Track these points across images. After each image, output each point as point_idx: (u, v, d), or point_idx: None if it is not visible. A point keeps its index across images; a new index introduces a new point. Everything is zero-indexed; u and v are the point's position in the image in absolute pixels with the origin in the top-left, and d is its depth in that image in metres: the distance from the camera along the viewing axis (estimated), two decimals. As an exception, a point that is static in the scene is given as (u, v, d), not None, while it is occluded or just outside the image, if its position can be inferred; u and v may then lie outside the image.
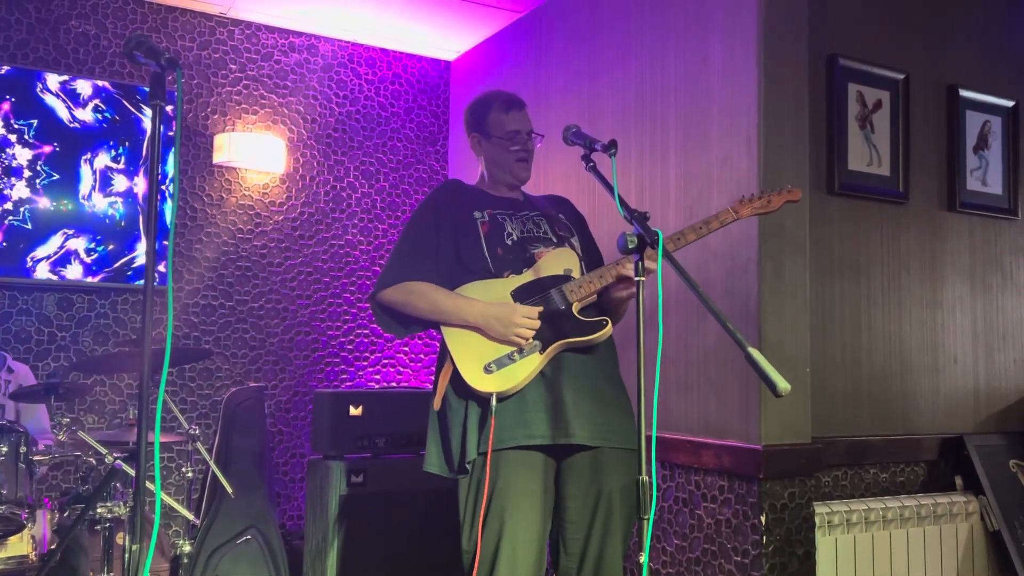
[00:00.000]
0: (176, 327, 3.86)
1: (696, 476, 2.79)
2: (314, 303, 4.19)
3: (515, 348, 2.20)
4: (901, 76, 3.23)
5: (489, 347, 2.21)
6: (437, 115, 4.57)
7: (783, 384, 1.69)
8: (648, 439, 1.78)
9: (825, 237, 3.06)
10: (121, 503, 2.77)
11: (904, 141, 3.22)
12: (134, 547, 1.57)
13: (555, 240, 2.36)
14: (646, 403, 1.79)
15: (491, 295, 2.26)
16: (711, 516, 2.73)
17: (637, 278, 1.86)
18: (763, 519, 2.55)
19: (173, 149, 3.71)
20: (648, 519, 1.78)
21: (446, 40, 4.35)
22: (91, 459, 2.79)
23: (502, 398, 2.17)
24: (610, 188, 2.03)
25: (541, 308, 2.22)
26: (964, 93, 3.42)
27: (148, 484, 2.54)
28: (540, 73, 3.82)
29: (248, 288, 4.05)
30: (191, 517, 2.99)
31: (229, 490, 3.10)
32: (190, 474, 3.23)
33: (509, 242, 2.32)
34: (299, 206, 4.19)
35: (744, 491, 2.61)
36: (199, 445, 3.05)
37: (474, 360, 2.20)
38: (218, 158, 3.97)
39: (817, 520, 2.75)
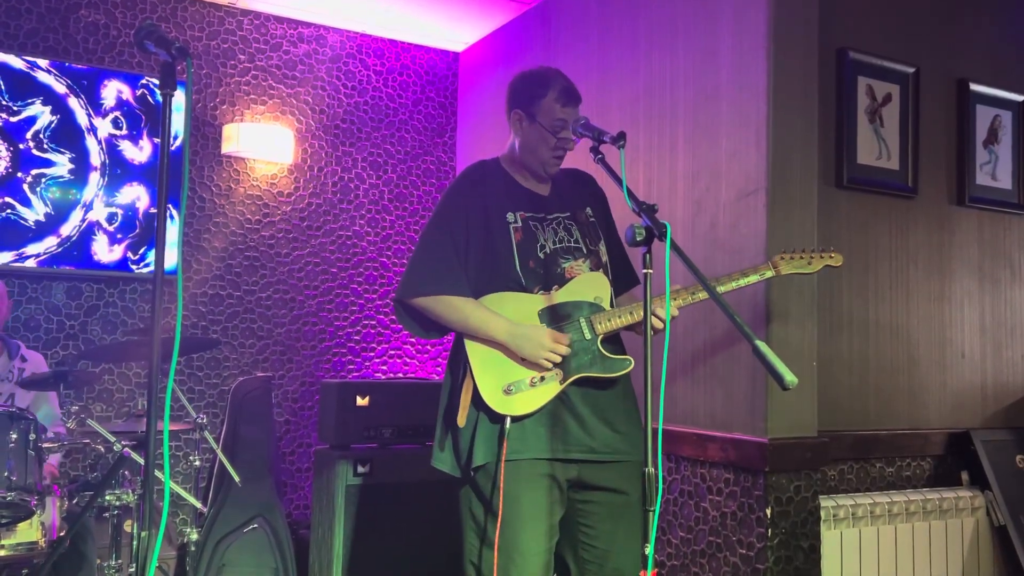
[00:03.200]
0: (184, 317, 3.87)
1: (702, 469, 2.80)
2: (321, 294, 4.20)
3: (536, 374, 2.18)
4: (911, 70, 3.22)
5: (510, 367, 2.19)
6: (445, 106, 4.57)
7: (790, 377, 1.69)
8: (654, 431, 1.79)
9: (833, 231, 3.05)
10: (129, 491, 2.79)
11: (913, 135, 3.21)
12: (143, 534, 1.58)
13: (585, 252, 2.31)
14: (653, 395, 1.80)
15: (519, 312, 2.22)
16: (716, 509, 2.74)
17: (644, 271, 1.87)
18: (768, 512, 2.55)
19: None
20: (653, 511, 1.78)
21: (454, 31, 4.35)
22: (100, 447, 2.81)
23: (515, 420, 2.17)
24: (618, 180, 2.03)
25: (571, 336, 2.20)
26: (974, 87, 3.40)
27: (156, 473, 2.55)
28: (548, 64, 3.80)
29: (256, 278, 4.06)
30: (199, 505, 3.01)
31: (236, 479, 3.12)
32: (197, 463, 3.25)
33: (542, 255, 2.26)
34: (307, 197, 4.19)
35: (750, 484, 2.62)
36: (207, 434, 3.06)
37: (494, 379, 2.19)
38: (226, 148, 3.97)
39: (822, 514, 2.75)
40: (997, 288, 3.46)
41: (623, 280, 2.43)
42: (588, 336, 2.21)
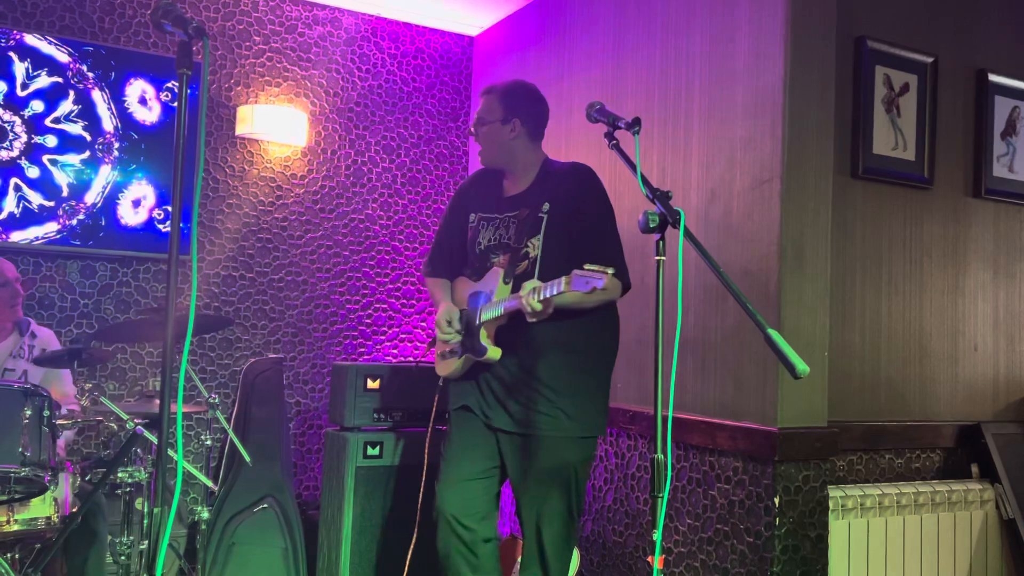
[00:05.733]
0: (197, 297, 3.89)
1: (711, 457, 2.80)
2: (333, 276, 4.21)
3: (446, 347, 2.67)
4: (930, 59, 3.19)
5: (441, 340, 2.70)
6: (459, 91, 4.56)
7: (802, 366, 1.69)
8: (664, 419, 1.79)
9: (848, 221, 3.04)
10: (141, 468, 2.81)
11: (931, 125, 3.19)
12: (155, 511, 1.60)
13: (511, 248, 2.59)
14: (663, 383, 1.80)
15: (461, 294, 2.72)
16: (724, 497, 2.74)
17: (657, 258, 1.87)
18: (776, 501, 2.56)
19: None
20: (662, 498, 1.79)
21: (470, 15, 4.33)
22: (112, 425, 2.83)
23: (447, 380, 2.72)
24: (632, 166, 2.03)
25: (459, 317, 2.63)
26: (993, 78, 3.37)
27: (169, 451, 2.57)
28: (563, 49, 3.79)
29: (268, 260, 4.07)
30: (210, 484, 3.03)
31: (247, 459, 3.14)
32: (209, 442, 3.27)
33: (477, 251, 2.68)
34: (320, 180, 4.20)
35: (758, 473, 2.62)
36: (218, 414, 3.08)
37: (440, 346, 2.73)
38: (240, 130, 3.98)
39: (831, 504, 2.76)
40: (1012, 281, 3.44)
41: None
42: (476, 323, 2.58)
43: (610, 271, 2.03)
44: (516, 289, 2.48)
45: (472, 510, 2.59)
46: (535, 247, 2.54)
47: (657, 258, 1.86)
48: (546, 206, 2.56)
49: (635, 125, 2.08)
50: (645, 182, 1.97)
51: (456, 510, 2.58)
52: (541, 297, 2.26)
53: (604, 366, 2.62)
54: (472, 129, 2.70)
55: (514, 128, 2.61)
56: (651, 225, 1.87)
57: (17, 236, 3.53)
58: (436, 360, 2.75)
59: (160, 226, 3.79)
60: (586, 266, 2.05)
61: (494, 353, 2.53)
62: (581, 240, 2.51)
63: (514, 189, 2.68)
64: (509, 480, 2.63)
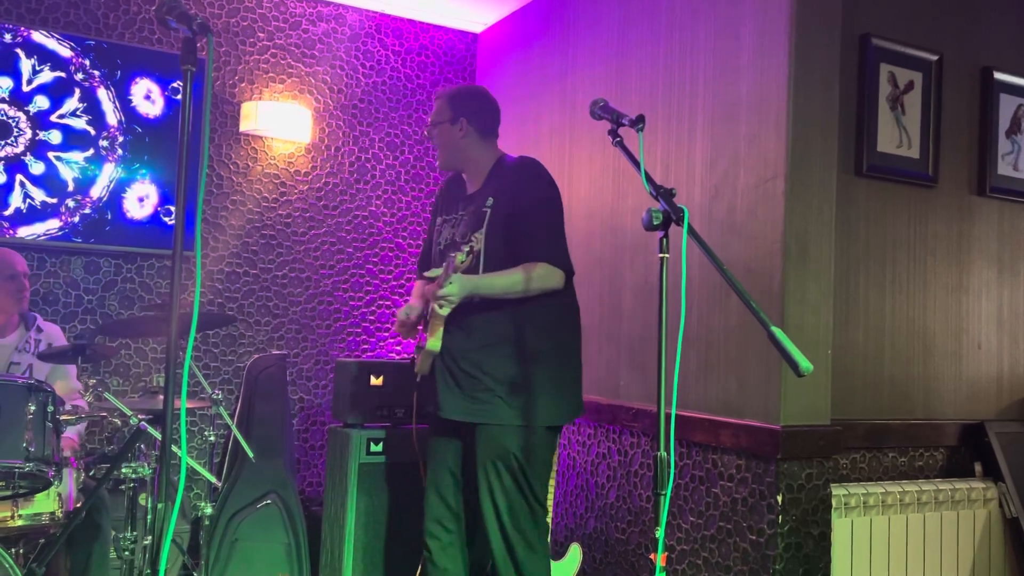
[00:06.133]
0: (200, 293, 3.89)
1: (713, 455, 2.80)
2: (337, 273, 4.22)
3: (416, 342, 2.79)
4: (934, 57, 3.18)
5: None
6: (463, 88, 4.55)
7: (805, 364, 1.69)
8: (667, 416, 1.79)
9: (851, 219, 3.04)
10: (145, 464, 2.82)
11: (935, 123, 3.18)
12: (159, 506, 1.60)
13: (460, 244, 2.63)
14: (666, 381, 1.80)
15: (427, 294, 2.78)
16: (727, 494, 2.74)
17: (661, 255, 1.87)
18: (779, 499, 2.56)
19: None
20: (665, 495, 1.79)
21: (474, 12, 4.33)
22: (116, 420, 2.84)
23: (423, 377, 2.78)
24: (636, 164, 2.03)
25: (420, 309, 2.75)
26: (998, 76, 3.36)
27: (172, 447, 2.57)
28: (568, 46, 3.79)
29: (272, 257, 4.08)
30: (213, 480, 3.04)
31: (250, 455, 3.14)
32: (212, 438, 3.27)
33: (438, 251, 2.81)
34: (324, 176, 4.20)
35: (761, 471, 2.62)
36: (222, 410, 3.09)
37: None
38: (245, 126, 3.98)
39: (834, 502, 2.75)
40: (1016, 280, 3.44)
41: (517, 258, 2.62)
42: (426, 318, 2.67)
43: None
44: None
45: (450, 512, 2.73)
46: (478, 241, 2.61)
47: (661, 256, 1.86)
48: (490, 201, 2.65)
49: (639, 122, 2.07)
50: (649, 179, 1.97)
51: (438, 513, 2.73)
52: (438, 285, 2.46)
53: (559, 357, 2.65)
54: (427, 132, 2.84)
55: (462, 127, 2.72)
56: (655, 223, 1.86)
57: (24, 231, 3.54)
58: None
59: (166, 219, 3.80)
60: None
61: (432, 345, 2.60)
62: (516, 230, 2.59)
63: (471, 188, 2.78)
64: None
